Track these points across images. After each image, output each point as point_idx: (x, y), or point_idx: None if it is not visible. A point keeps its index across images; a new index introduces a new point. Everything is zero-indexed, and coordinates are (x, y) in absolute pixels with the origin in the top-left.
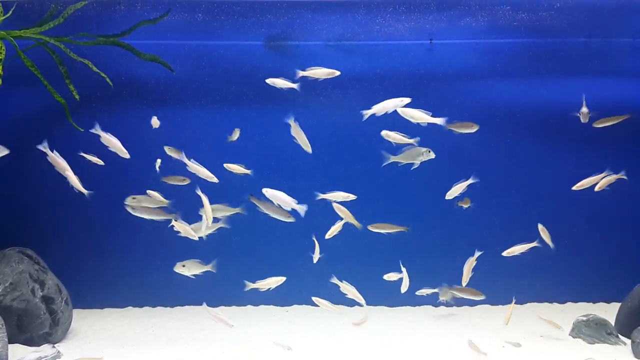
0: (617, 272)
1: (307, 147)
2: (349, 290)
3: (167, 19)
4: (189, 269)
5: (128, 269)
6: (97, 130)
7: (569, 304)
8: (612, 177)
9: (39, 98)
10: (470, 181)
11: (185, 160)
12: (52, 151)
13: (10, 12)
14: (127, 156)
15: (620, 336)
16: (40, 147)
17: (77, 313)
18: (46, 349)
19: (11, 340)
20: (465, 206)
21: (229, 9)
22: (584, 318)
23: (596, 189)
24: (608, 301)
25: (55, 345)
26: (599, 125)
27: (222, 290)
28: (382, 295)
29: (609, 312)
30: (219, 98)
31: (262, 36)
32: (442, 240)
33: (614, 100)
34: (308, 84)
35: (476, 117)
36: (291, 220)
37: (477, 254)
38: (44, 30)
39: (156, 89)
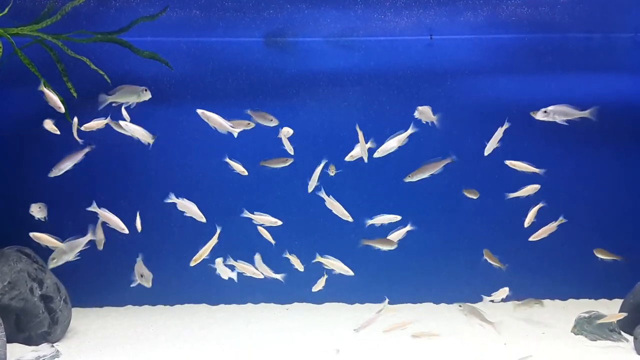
0: (619, 269)
1: (347, 217)
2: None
3: (165, 16)
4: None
5: (127, 268)
6: (172, 199)
7: (571, 300)
8: (553, 226)
9: (37, 96)
10: (408, 228)
11: (248, 215)
12: (100, 208)
13: (7, 9)
14: (204, 220)
15: (622, 333)
16: (90, 208)
17: (76, 312)
18: (45, 348)
19: (10, 340)
20: (474, 197)
21: (228, 5)
22: (586, 315)
23: (532, 238)
24: (610, 298)
25: (54, 344)
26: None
27: (221, 288)
28: (381, 292)
29: (611, 308)
30: (218, 95)
31: (261, 32)
32: (443, 239)
33: (615, 96)
34: (308, 80)
35: (476, 113)
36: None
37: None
38: (42, 27)
39: (155, 86)
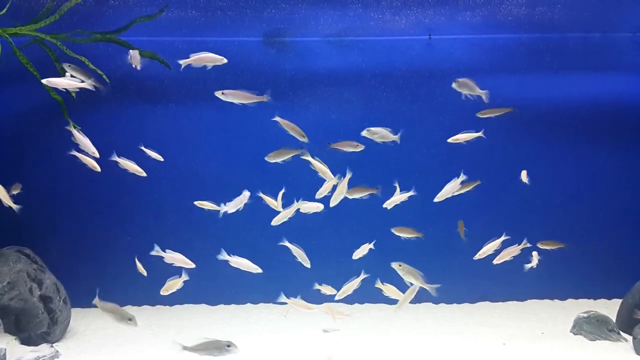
0: (618, 269)
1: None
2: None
3: (163, 16)
4: None
5: (126, 268)
6: (224, 256)
7: (570, 300)
8: (516, 249)
9: (35, 95)
10: (361, 276)
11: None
12: (165, 251)
13: (5, 8)
14: (260, 270)
15: (621, 333)
16: (153, 252)
17: (75, 312)
18: (44, 349)
19: None
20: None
21: (226, 5)
22: (585, 315)
23: (496, 260)
24: (609, 297)
25: (53, 344)
26: (482, 115)
27: (221, 289)
28: (381, 293)
29: (610, 308)
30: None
31: (260, 32)
32: (442, 239)
33: (613, 96)
34: (306, 80)
35: (474, 113)
36: None
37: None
38: (40, 27)
39: (153, 85)
